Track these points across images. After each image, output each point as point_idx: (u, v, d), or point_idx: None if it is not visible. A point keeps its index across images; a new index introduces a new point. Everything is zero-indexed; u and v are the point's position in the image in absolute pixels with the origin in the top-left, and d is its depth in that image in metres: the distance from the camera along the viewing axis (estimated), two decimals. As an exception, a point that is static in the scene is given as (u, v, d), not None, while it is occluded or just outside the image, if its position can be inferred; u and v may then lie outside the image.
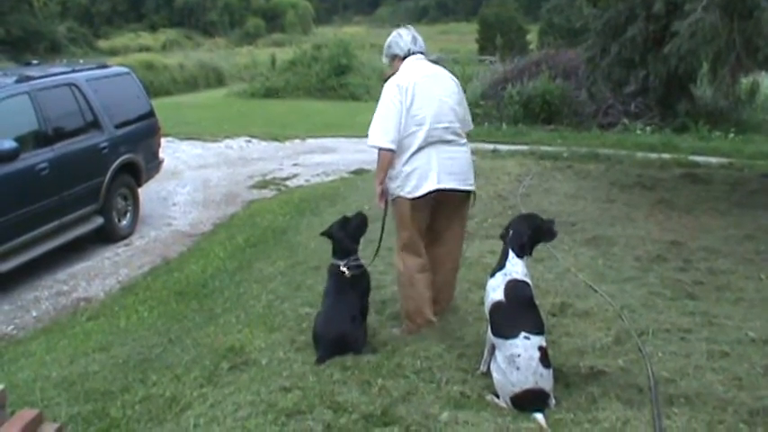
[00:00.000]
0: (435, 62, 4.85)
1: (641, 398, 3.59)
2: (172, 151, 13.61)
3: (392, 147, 4.33)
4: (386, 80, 4.54)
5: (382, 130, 4.36)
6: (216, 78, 31.23)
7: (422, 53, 4.64)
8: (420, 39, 4.67)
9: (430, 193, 4.37)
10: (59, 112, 7.54)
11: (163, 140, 14.00)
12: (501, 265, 3.89)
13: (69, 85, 7.81)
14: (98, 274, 7.39)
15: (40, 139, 7.20)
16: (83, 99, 7.90)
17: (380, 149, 4.38)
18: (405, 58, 4.59)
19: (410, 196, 4.39)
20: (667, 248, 6.54)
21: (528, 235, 3.98)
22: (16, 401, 3.88)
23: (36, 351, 5.35)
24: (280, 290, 5.80)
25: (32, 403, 3.94)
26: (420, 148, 4.36)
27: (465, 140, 4.59)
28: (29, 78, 7.31)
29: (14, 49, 36.03)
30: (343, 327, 4.19)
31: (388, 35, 4.76)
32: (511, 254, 3.93)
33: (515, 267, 3.89)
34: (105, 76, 8.58)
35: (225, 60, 33.63)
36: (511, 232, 3.99)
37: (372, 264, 4.80)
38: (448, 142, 4.45)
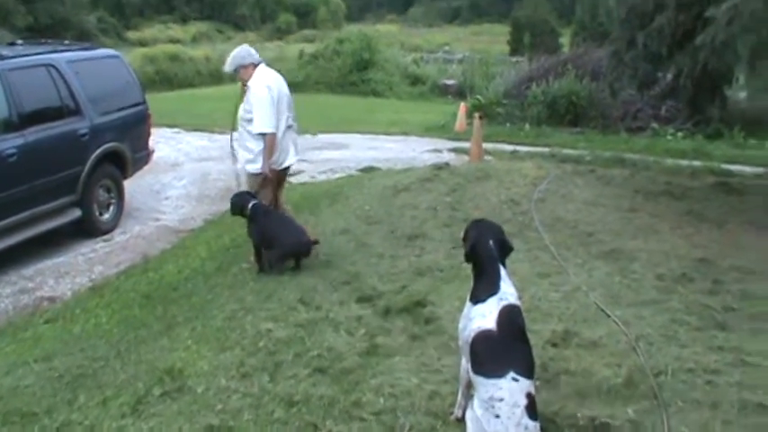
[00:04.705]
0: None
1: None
2: (175, 142, 13.12)
3: (275, 131, 5.91)
4: (244, 83, 6.05)
5: (268, 120, 5.88)
6: (243, 72, 30.72)
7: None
8: None
9: (289, 165, 6.31)
10: (33, 94, 6.92)
11: (168, 131, 13.59)
12: (493, 289, 3.14)
13: (46, 65, 7.19)
14: (69, 272, 6.81)
15: (9, 123, 6.59)
16: (61, 81, 7.27)
17: (269, 134, 5.89)
18: (257, 65, 6.05)
19: (278, 168, 6.10)
20: (695, 267, 5.78)
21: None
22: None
23: (-22, 356, 4.81)
24: (247, 299, 5.17)
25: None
26: (283, 133, 6.02)
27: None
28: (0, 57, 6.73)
29: (42, 37, 35.83)
30: None
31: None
32: (503, 272, 3.21)
33: (509, 289, 3.18)
34: (89, 59, 7.94)
35: (253, 54, 33.11)
36: (491, 242, 3.25)
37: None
38: (291, 128, 6.18)
